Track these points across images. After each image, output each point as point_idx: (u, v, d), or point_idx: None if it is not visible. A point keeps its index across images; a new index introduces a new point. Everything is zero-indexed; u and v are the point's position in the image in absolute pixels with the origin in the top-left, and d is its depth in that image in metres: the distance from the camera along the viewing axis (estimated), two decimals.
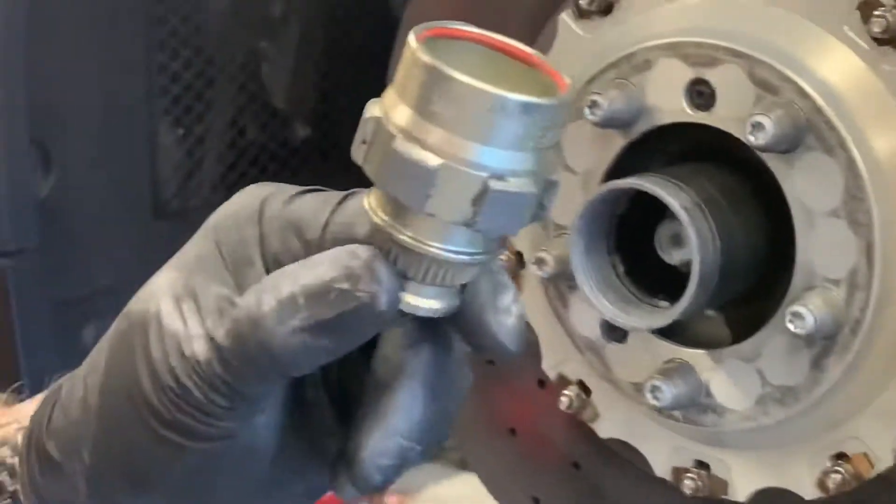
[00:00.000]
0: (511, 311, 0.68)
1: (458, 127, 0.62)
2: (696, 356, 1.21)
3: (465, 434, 1.51)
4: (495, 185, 0.63)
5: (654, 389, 1.20)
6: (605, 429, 1.32)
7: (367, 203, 0.67)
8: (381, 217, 0.66)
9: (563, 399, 1.33)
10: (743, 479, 1.23)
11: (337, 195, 0.71)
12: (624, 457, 1.34)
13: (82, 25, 1.60)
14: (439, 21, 0.66)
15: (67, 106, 1.60)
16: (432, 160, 0.62)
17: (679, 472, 1.27)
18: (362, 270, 0.65)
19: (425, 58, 0.62)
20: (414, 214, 0.65)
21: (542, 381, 1.40)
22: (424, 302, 0.67)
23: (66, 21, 1.58)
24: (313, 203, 0.70)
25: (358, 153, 0.65)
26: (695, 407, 1.21)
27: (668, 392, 1.19)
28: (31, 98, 1.55)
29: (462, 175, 0.63)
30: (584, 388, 1.33)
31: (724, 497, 1.24)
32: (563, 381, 1.34)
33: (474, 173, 0.63)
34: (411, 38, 0.64)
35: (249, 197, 0.72)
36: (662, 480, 1.29)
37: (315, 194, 0.71)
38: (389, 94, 0.65)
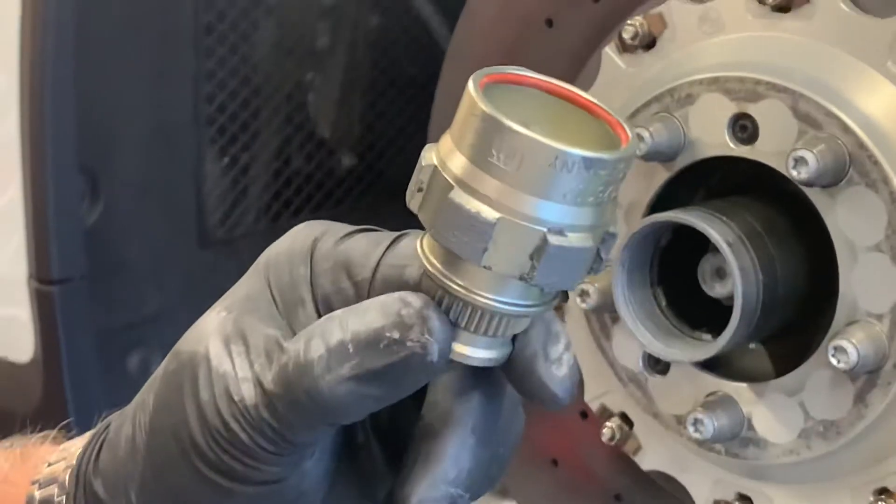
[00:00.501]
0: (563, 361, 0.67)
1: (517, 180, 0.61)
2: (738, 389, 1.21)
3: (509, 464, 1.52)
4: (554, 240, 0.61)
5: (697, 422, 1.20)
6: (647, 461, 1.32)
7: (420, 247, 0.66)
8: (433, 264, 0.65)
9: (606, 431, 1.33)
10: None
11: (389, 236, 0.70)
12: (666, 489, 1.34)
13: (131, 54, 1.62)
14: (499, 67, 0.65)
15: (115, 133, 1.62)
16: (490, 213, 0.61)
17: None
18: (414, 319, 0.64)
19: (484, 107, 0.61)
20: (469, 265, 0.63)
21: (585, 413, 1.40)
22: (476, 352, 0.66)
23: (114, 49, 1.61)
24: (364, 243, 0.70)
25: (413, 201, 0.64)
26: (737, 440, 1.21)
27: (710, 425, 1.19)
28: (79, 125, 1.57)
29: (520, 229, 0.61)
30: (626, 420, 1.33)
31: None
32: (606, 413, 1.34)
33: (533, 228, 0.61)
34: (470, 85, 0.62)
35: (300, 236, 0.72)
36: None
37: (366, 234, 0.70)
38: (446, 140, 0.63)
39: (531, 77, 0.65)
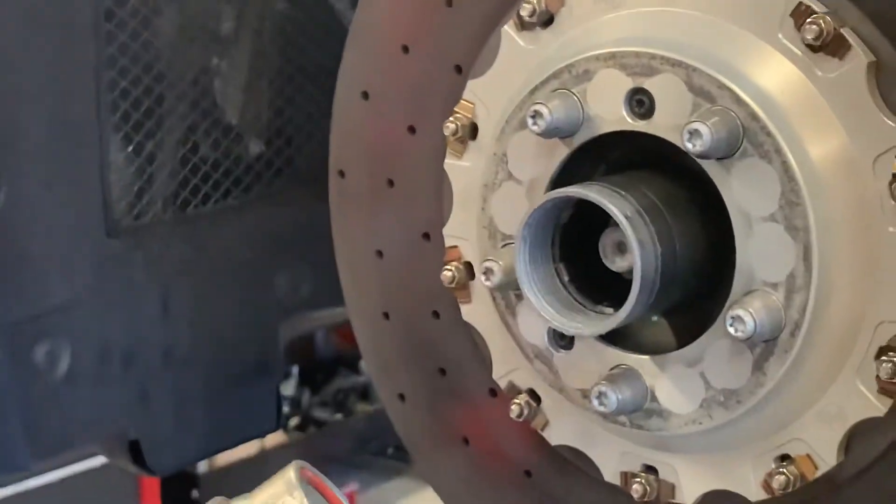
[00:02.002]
0: None
1: None
2: (641, 361, 1.22)
3: (419, 445, 1.52)
4: None
5: (601, 395, 1.21)
6: (555, 436, 1.34)
7: None
8: None
9: (514, 407, 1.34)
10: (690, 482, 1.24)
11: None
12: (575, 464, 1.35)
13: (30, 43, 1.60)
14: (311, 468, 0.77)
15: (16, 124, 1.60)
16: None
17: (627, 477, 1.28)
18: None
19: None
20: None
21: (493, 391, 1.41)
22: None
23: (12, 39, 1.59)
24: None
25: None
26: (641, 412, 1.22)
27: (614, 397, 1.21)
28: None
29: None
30: (534, 396, 1.34)
31: (671, 501, 1.26)
32: (514, 390, 1.35)
33: None
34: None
35: None
36: (612, 486, 1.30)
37: None
38: None
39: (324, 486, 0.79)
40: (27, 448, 1.62)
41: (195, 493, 4.89)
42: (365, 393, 5.78)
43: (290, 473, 0.72)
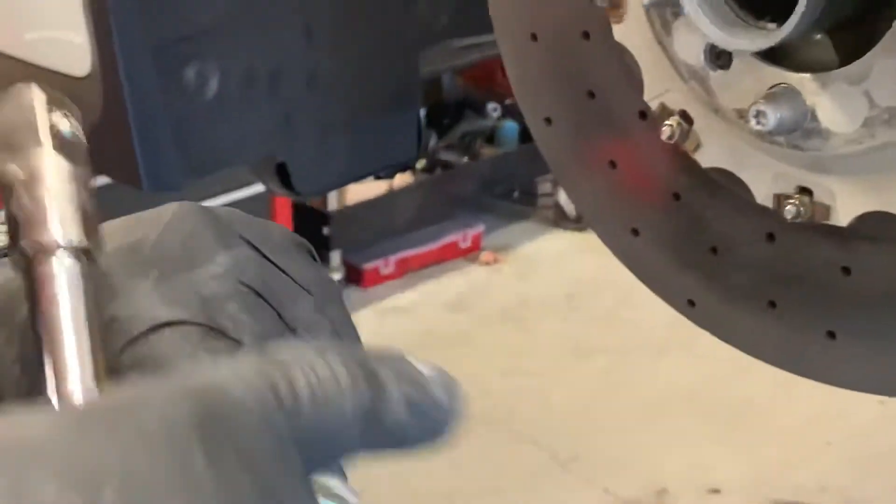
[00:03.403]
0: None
1: None
2: (801, 80, 1.20)
3: (564, 169, 1.53)
4: None
5: (759, 114, 1.19)
6: (706, 158, 1.33)
7: None
8: None
9: (665, 129, 1.33)
10: (846, 203, 1.23)
11: None
12: (725, 186, 1.35)
13: None
14: None
15: None
16: None
17: (781, 199, 1.27)
18: None
19: None
20: None
21: (643, 113, 1.40)
22: None
23: None
24: None
25: None
26: (799, 131, 1.20)
27: (773, 116, 1.19)
28: None
29: None
30: (686, 118, 1.33)
31: (825, 222, 1.25)
32: (665, 112, 1.34)
33: None
34: None
35: None
36: (763, 208, 1.30)
37: None
38: None
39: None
40: (180, 167, 1.66)
41: (326, 231, 5.01)
42: (491, 137, 5.81)
43: None
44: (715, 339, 1.42)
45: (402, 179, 5.20)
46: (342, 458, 0.58)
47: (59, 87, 1.72)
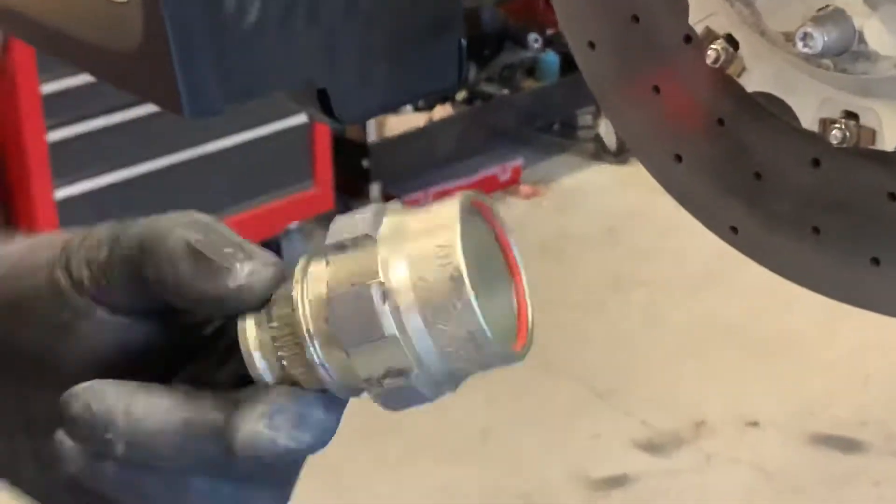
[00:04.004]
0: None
1: (437, 333, 0.66)
2: (850, 2, 1.18)
3: (608, 93, 1.51)
4: (413, 377, 0.66)
5: (806, 36, 1.18)
6: (752, 82, 1.31)
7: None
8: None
9: (710, 53, 1.31)
10: (892, 127, 1.22)
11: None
12: (770, 111, 1.33)
13: None
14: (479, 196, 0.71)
15: None
16: (390, 328, 0.66)
17: (826, 123, 1.26)
18: None
19: (472, 298, 0.66)
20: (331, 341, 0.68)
21: (689, 37, 1.38)
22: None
23: None
24: None
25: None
26: (847, 54, 1.19)
27: (820, 38, 1.17)
28: None
29: (398, 354, 0.66)
30: (731, 42, 1.31)
31: (871, 147, 1.24)
32: (710, 36, 1.32)
33: (406, 358, 0.66)
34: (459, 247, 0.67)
35: None
36: (809, 133, 1.28)
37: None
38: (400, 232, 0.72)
39: (495, 220, 0.72)
40: (221, 93, 1.66)
41: (366, 163, 5.01)
42: (531, 69, 5.78)
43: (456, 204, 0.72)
44: (754, 274, 1.41)
45: (441, 111, 5.19)
46: None
47: (100, 12, 1.73)
